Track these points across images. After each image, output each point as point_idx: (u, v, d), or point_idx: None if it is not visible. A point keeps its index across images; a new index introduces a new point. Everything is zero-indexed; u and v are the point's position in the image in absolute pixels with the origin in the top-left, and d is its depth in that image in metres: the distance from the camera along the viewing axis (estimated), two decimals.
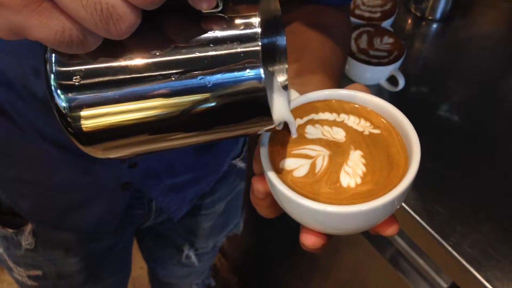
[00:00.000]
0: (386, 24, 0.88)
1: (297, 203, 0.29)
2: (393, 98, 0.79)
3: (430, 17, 0.95)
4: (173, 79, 0.24)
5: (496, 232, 0.63)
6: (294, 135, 0.33)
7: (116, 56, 0.25)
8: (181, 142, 0.28)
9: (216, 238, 0.87)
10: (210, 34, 0.24)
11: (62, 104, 0.25)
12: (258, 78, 0.24)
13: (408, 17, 0.97)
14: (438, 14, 0.94)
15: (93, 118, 0.25)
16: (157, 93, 0.25)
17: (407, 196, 0.29)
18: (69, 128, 0.26)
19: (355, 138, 0.33)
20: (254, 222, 1.12)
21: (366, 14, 0.88)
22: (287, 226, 0.80)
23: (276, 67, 0.34)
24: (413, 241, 0.70)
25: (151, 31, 0.24)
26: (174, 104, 0.25)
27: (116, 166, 0.59)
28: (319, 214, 0.29)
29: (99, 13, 0.20)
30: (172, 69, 0.24)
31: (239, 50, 0.24)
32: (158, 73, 0.24)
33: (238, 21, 0.24)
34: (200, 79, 0.24)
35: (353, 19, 0.86)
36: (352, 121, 0.34)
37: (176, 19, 0.25)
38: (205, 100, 0.25)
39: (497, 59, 0.89)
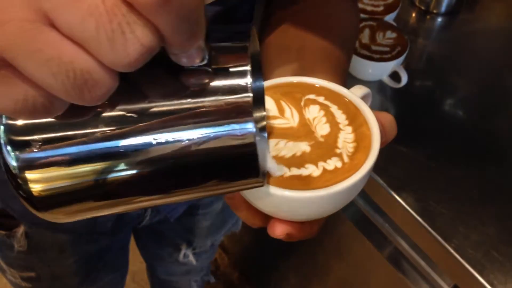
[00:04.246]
0: (389, 18, 0.86)
1: (264, 192, 0.28)
2: (396, 95, 0.77)
3: (435, 11, 0.93)
4: (154, 143, 0.21)
5: (500, 233, 0.62)
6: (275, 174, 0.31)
7: (83, 118, 0.21)
8: (152, 203, 0.25)
9: (215, 237, 0.86)
10: (193, 90, 0.21)
11: (22, 174, 0.22)
12: (250, 133, 0.22)
13: (412, 11, 0.94)
14: (443, 8, 0.92)
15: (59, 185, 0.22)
16: (135, 159, 0.21)
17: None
18: (26, 193, 0.22)
19: (314, 123, 0.33)
20: None
21: (369, 8, 0.86)
22: None
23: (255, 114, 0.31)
24: (414, 243, 0.68)
25: (126, 88, 0.21)
26: (152, 169, 0.22)
27: None
28: (281, 199, 0.28)
29: (72, 80, 0.17)
30: (152, 133, 0.21)
31: (226, 106, 0.21)
32: (135, 137, 0.21)
33: (224, 74, 0.22)
34: (186, 140, 0.21)
35: None
36: (311, 107, 0.34)
37: (154, 73, 0.21)
38: (188, 162, 0.22)
39: (504, 54, 0.87)
